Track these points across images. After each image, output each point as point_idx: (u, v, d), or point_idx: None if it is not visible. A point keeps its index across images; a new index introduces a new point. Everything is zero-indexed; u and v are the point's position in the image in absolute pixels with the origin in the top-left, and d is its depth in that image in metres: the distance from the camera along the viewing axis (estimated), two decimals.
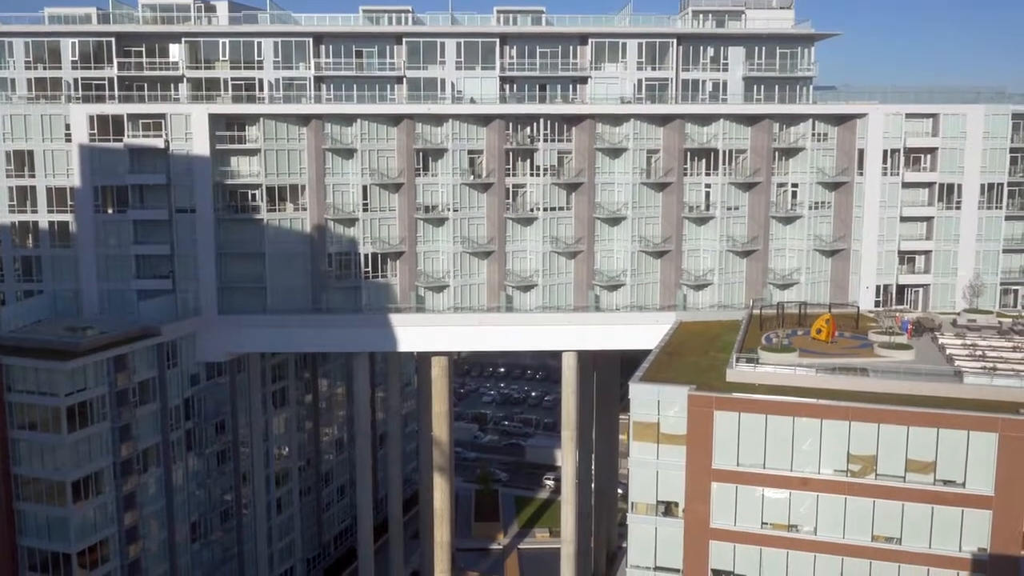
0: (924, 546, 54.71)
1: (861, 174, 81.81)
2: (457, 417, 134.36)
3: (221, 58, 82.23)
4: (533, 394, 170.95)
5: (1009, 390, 56.13)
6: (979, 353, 64.22)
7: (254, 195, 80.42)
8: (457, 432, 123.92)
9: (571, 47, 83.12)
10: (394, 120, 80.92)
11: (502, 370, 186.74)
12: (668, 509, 59.79)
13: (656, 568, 60.64)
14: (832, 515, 56.26)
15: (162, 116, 78.22)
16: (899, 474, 54.62)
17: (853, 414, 54.97)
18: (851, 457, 55.39)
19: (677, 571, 59.95)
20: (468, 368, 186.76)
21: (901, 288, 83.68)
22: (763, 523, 57.68)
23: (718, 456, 57.70)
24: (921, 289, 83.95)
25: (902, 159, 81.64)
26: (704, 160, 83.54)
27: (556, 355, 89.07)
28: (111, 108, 78.71)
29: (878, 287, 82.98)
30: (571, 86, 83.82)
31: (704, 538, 58.74)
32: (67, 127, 78.23)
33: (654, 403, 59.01)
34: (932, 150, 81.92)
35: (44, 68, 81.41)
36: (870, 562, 55.91)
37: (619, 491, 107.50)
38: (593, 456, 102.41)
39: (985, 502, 53.21)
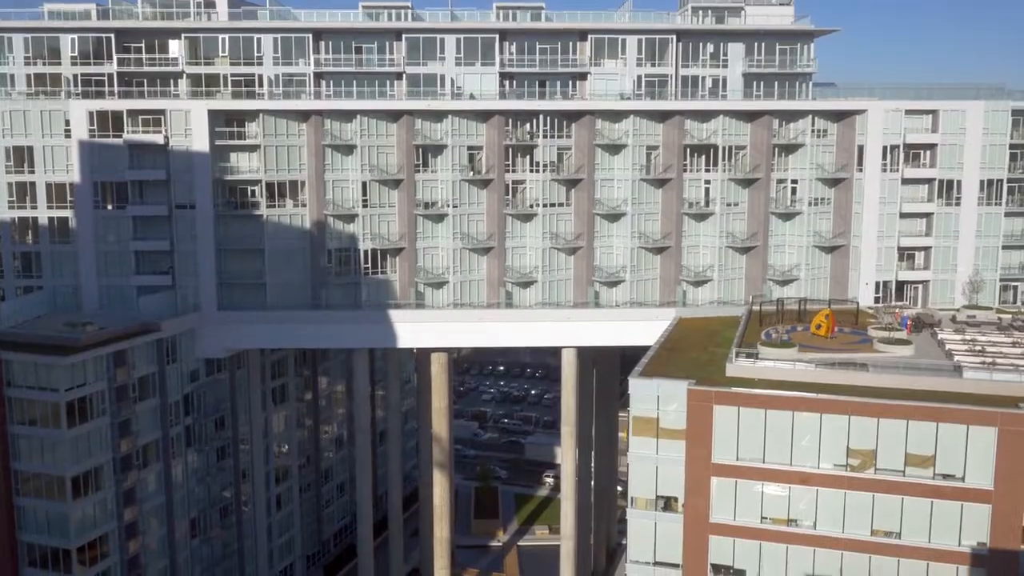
0: (924, 540, 54.61)
1: (861, 170, 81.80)
2: (457, 415, 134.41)
3: (221, 54, 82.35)
4: (533, 392, 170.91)
5: (1008, 384, 56.12)
6: (978, 348, 64.22)
7: (254, 191, 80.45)
8: (457, 430, 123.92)
9: (570, 43, 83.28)
10: (394, 116, 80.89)
11: (502, 368, 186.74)
12: (668, 504, 59.76)
13: (656, 563, 60.56)
14: (831, 509, 56.21)
15: (162, 112, 78.23)
16: (898, 468, 54.54)
17: (852, 408, 54.92)
18: (850, 451, 55.35)
19: (677, 566, 59.85)
20: (468, 366, 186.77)
21: (900, 284, 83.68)
22: (763, 518, 57.62)
23: (717, 451, 57.64)
24: (920, 285, 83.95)
25: (902, 155, 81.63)
26: (704, 156, 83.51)
27: (555, 353, 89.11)
28: (111, 104, 78.73)
29: (877, 283, 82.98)
30: (571, 82, 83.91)
31: (704, 533, 58.72)
32: (67, 123, 78.20)
33: (654, 398, 58.96)
34: (932, 146, 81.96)
35: (44, 64, 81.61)
36: (869, 556, 55.85)
37: (619, 488, 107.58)
38: (593, 453, 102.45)
39: (984, 496, 53.15)
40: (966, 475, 53.52)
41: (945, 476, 53.95)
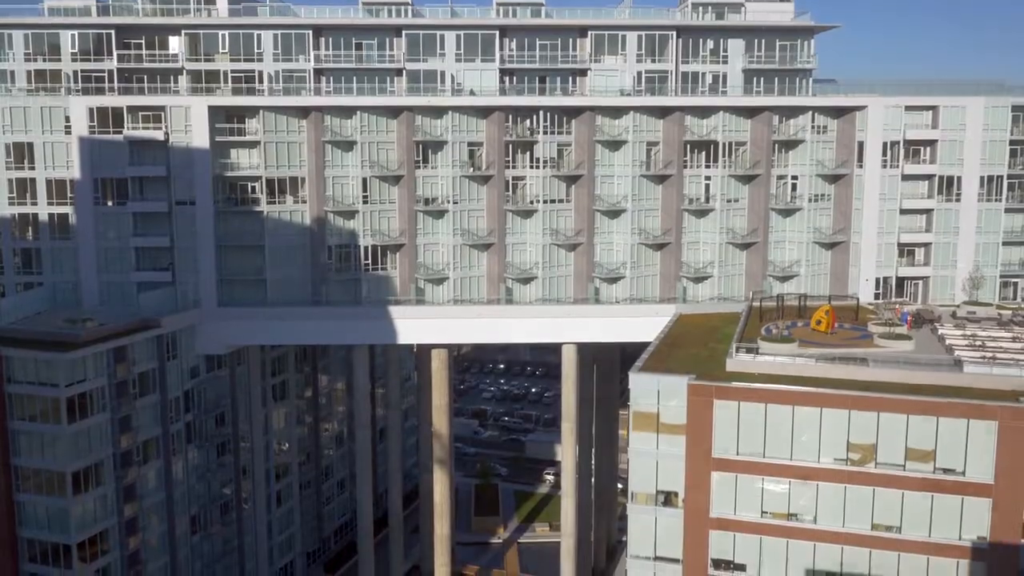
0: (924, 535, 54.72)
1: (861, 166, 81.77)
2: (457, 413, 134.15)
3: (221, 50, 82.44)
4: (533, 390, 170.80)
5: (1008, 379, 56.09)
6: (978, 343, 64.22)
7: (254, 187, 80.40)
8: (457, 428, 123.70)
9: (571, 39, 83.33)
10: (394, 112, 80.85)
11: (502, 366, 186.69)
12: (668, 499, 59.79)
13: (656, 558, 60.66)
14: (832, 504, 56.27)
15: (162, 108, 78.14)
16: (899, 463, 54.62)
17: (853, 403, 54.95)
18: (851, 446, 55.40)
19: (677, 561, 59.94)
20: (468, 364, 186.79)
21: (901, 280, 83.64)
22: (763, 512, 57.70)
23: (718, 445, 57.71)
24: (921, 281, 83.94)
25: (902, 151, 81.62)
26: (704, 152, 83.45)
27: (556, 351, 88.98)
28: (111, 100, 78.71)
29: (878, 279, 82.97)
30: (571, 78, 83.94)
31: (704, 528, 58.76)
32: (67, 119, 78.14)
33: (654, 393, 58.99)
34: (932, 142, 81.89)
35: (44, 60, 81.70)
36: (870, 551, 55.93)
37: (619, 485, 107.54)
38: (593, 450, 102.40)
39: (985, 490, 53.22)
40: (966, 469, 53.58)
41: (945, 470, 54.00)
